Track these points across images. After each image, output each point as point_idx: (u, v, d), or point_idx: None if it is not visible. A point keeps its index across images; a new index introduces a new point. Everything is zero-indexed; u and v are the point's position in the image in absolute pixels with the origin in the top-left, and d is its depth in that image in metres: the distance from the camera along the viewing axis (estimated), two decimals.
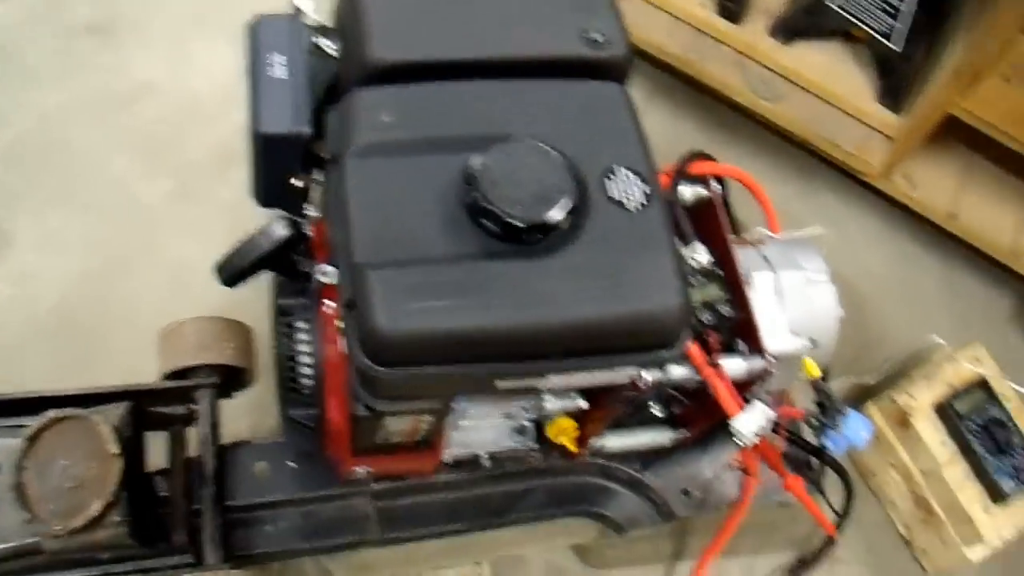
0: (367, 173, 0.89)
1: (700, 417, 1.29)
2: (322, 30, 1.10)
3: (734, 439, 1.12)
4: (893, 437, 1.54)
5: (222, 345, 1.22)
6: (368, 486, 1.24)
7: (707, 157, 1.30)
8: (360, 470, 1.11)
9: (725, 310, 1.11)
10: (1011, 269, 1.79)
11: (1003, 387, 1.54)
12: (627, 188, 0.92)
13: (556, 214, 0.86)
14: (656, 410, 1.35)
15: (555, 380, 0.93)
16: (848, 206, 1.90)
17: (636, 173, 0.93)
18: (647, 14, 1.71)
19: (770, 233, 1.34)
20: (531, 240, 0.87)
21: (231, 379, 1.25)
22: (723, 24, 1.73)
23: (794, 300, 1.23)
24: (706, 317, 1.09)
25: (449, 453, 1.23)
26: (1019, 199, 1.80)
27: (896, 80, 1.69)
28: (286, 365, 1.05)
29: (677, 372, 1.10)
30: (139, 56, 1.77)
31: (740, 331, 1.16)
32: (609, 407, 1.15)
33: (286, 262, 1.03)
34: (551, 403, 1.16)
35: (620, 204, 0.91)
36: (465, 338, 0.83)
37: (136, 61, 1.76)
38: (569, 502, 1.36)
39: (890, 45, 1.66)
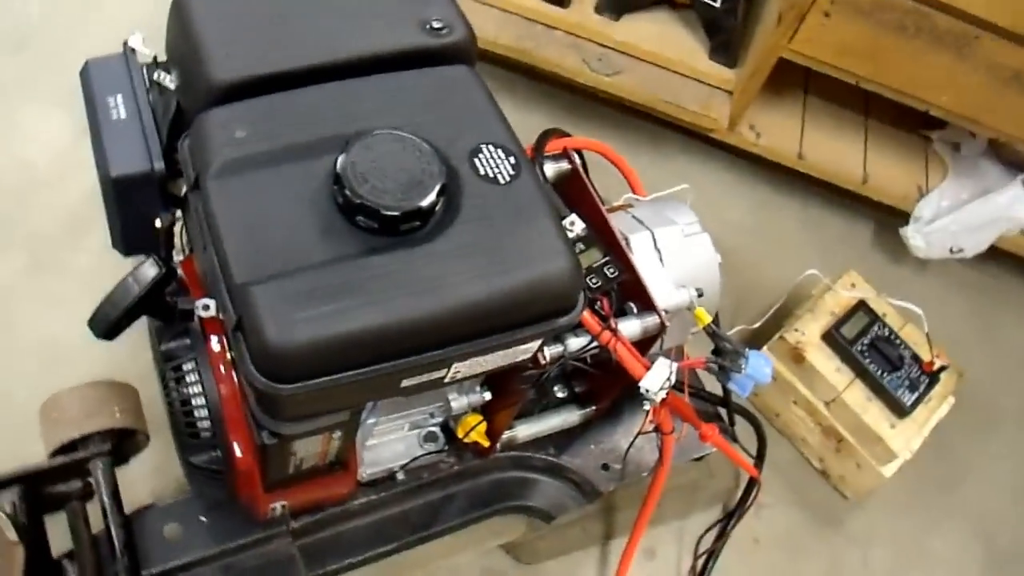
0: (231, 191, 0.86)
1: (604, 389, 1.30)
2: (158, 65, 1.07)
3: (644, 399, 1.13)
4: (790, 374, 1.59)
5: (107, 409, 1.16)
6: (285, 526, 1.20)
7: (562, 133, 1.32)
8: (276, 506, 1.07)
9: (610, 271, 1.12)
10: (863, 197, 1.88)
11: (881, 306, 1.60)
12: (495, 163, 0.91)
13: (428, 198, 0.85)
14: (559, 391, 1.36)
15: (461, 368, 0.91)
16: (701, 165, 1.95)
17: (500, 147, 0.92)
18: (475, 12, 1.72)
19: (637, 196, 1.37)
20: (410, 229, 0.85)
21: (124, 443, 1.19)
22: (551, 9, 1.76)
23: (674, 254, 1.26)
24: (593, 281, 1.10)
25: (362, 473, 1.20)
26: (859, 131, 1.89)
27: (724, 36, 1.75)
28: (180, 412, 1.00)
29: (576, 343, 1.11)
30: None
31: (629, 293, 1.17)
32: (513, 394, 1.15)
33: (161, 304, 0.98)
34: (457, 401, 1.15)
35: (492, 180, 0.90)
36: (361, 339, 0.81)
37: None
38: (491, 501, 1.34)
39: (712, 3, 1.72)
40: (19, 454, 1.12)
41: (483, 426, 1.22)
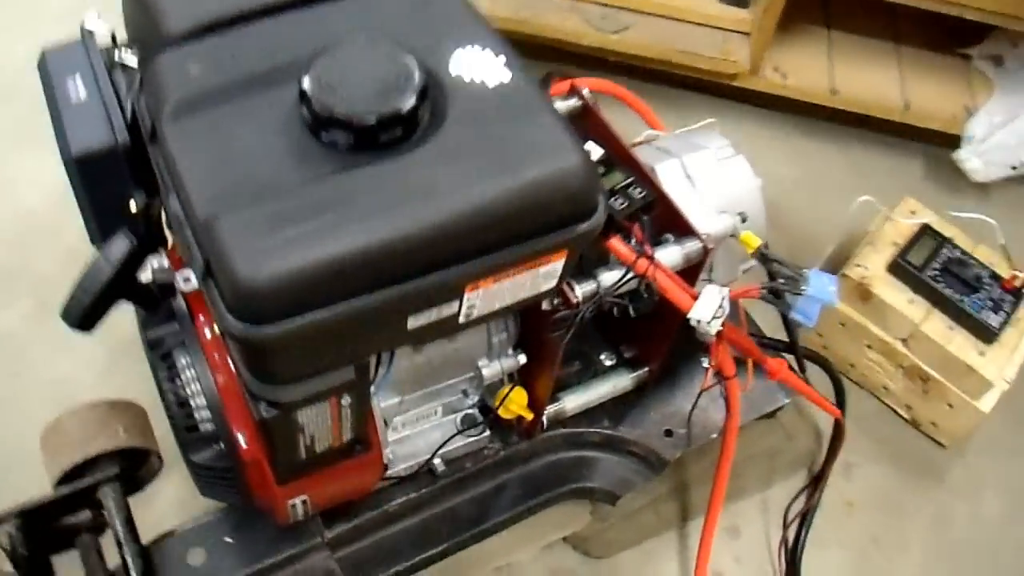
0: (189, 130, 0.76)
1: (655, 343, 1.17)
2: (118, 44, 0.98)
3: (697, 333, 1.00)
4: (860, 316, 1.44)
5: (110, 429, 1.05)
6: (320, 537, 1.08)
7: (564, 75, 1.21)
8: (296, 503, 0.95)
9: (637, 191, 0.99)
10: (906, 128, 1.74)
11: (948, 228, 1.46)
12: (481, 65, 0.80)
13: (408, 101, 0.74)
14: (606, 359, 1.23)
15: (475, 301, 0.79)
16: (729, 123, 1.82)
17: (487, 47, 0.81)
18: None
19: (658, 132, 1.25)
20: (392, 141, 0.74)
21: (134, 467, 1.08)
22: None
23: (708, 179, 1.13)
24: (619, 203, 0.97)
25: (397, 467, 1.08)
26: (891, 59, 1.76)
27: None
28: (176, 406, 0.89)
29: (609, 277, 0.98)
30: None
31: (662, 222, 1.05)
32: (550, 351, 1.02)
33: (138, 287, 0.88)
34: (488, 368, 1.03)
35: (480, 83, 0.79)
36: (345, 263, 0.70)
37: None
38: (547, 486, 1.21)
39: None
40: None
41: (522, 395, 1.09)
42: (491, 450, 1.17)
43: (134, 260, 0.86)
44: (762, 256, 1.08)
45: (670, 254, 1.01)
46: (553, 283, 0.85)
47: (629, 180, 1.00)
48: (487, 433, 1.14)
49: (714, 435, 1.22)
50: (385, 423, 1.00)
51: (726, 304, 1.00)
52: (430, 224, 0.72)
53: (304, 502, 0.94)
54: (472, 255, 0.75)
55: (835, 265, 1.50)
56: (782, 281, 1.05)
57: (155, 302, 0.90)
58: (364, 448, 0.92)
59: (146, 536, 1.06)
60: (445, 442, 1.07)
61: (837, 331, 1.46)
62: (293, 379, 0.77)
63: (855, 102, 1.70)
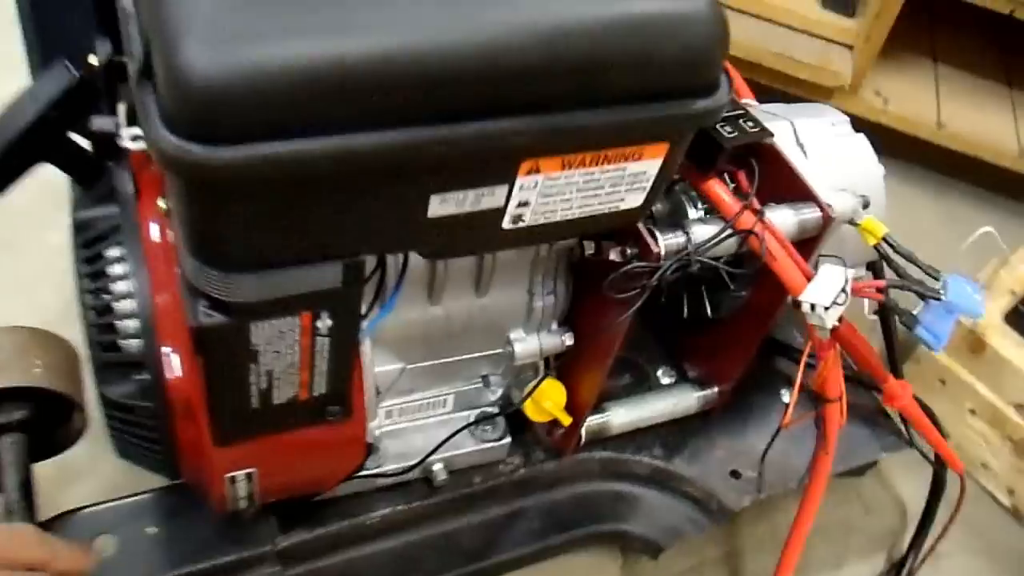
0: None
1: (730, 355, 0.91)
2: None
3: (812, 324, 0.74)
4: (967, 373, 1.17)
5: (24, 362, 0.80)
6: (269, 544, 0.81)
7: None
8: (240, 480, 0.68)
9: (748, 124, 0.75)
10: (1010, 184, 1.50)
11: None
12: None
13: None
14: (664, 376, 0.98)
15: (529, 199, 0.55)
16: None
17: None
18: None
19: (750, 101, 1.01)
20: None
21: (51, 422, 0.83)
22: None
23: (823, 151, 0.89)
24: (728, 131, 0.73)
25: (385, 468, 0.82)
26: (1003, 100, 1.54)
27: None
28: (94, 313, 0.64)
29: (702, 231, 0.73)
30: None
31: (772, 183, 0.80)
32: (606, 336, 0.76)
33: (70, 146, 0.64)
34: (523, 342, 0.77)
35: None
36: (352, 69, 0.45)
37: None
38: (574, 524, 0.94)
39: None
40: None
41: (560, 392, 0.83)
42: (509, 465, 0.91)
43: (72, 105, 0.62)
44: (888, 248, 0.83)
45: (781, 218, 0.76)
46: (639, 198, 0.60)
47: (738, 110, 0.76)
48: (507, 440, 0.88)
49: (792, 484, 0.95)
50: (377, 392, 0.74)
51: (849, 290, 0.74)
52: (484, 36, 0.47)
53: (249, 478, 0.68)
54: (538, 107, 0.50)
55: None
56: (915, 287, 0.80)
57: (91, 173, 0.66)
58: (342, 413, 0.66)
59: (48, 512, 0.80)
60: (449, 437, 0.81)
61: (935, 390, 1.20)
62: (251, 261, 0.52)
63: (964, 140, 1.47)
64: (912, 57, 1.55)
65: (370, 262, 0.64)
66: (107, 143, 0.61)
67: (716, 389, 0.95)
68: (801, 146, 0.89)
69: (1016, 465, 1.17)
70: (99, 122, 0.61)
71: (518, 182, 0.54)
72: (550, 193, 0.56)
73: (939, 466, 1.02)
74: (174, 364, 0.62)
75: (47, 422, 0.83)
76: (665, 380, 0.99)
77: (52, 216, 1.27)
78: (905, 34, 1.48)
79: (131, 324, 0.62)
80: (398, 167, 0.48)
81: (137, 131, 0.60)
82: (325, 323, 0.57)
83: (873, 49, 1.41)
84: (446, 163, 0.50)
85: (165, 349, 0.62)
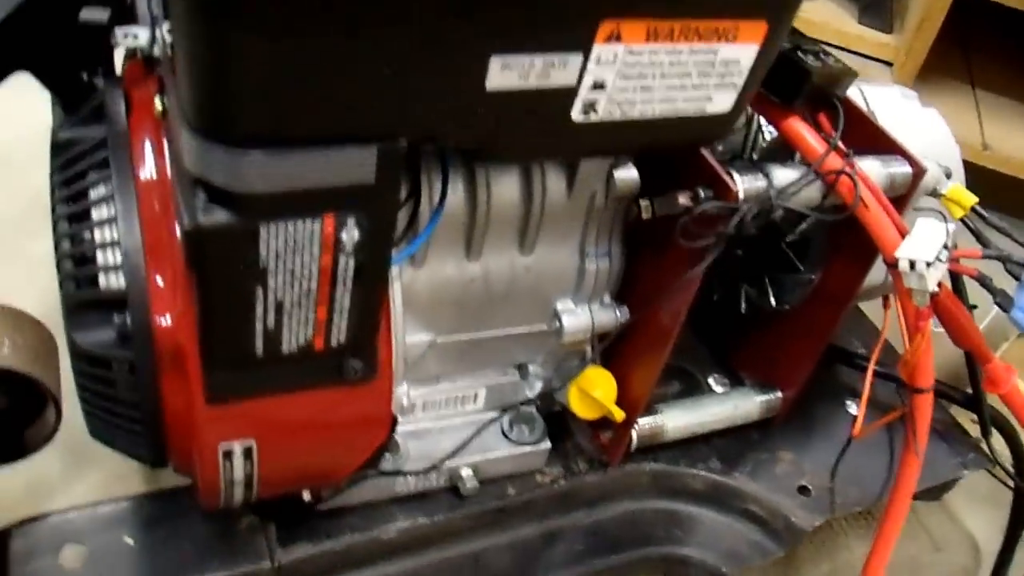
0: None
1: (795, 353, 0.81)
2: None
3: (909, 284, 0.63)
4: None
5: None
6: (267, 560, 0.68)
7: None
8: (235, 455, 0.56)
9: (831, 60, 0.65)
10: None
11: None
12: None
13: None
14: (716, 383, 0.87)
15: (604, 74, 0.45)
16: None
17: None
18: None
19: None
20: None
21: (20, 415, 0.70)
22: None
23: (895, 118, 0.79)
24: (811, 60, 0.63)
25: (408, 468, 0.70)
26: None
27: None
28: (70, 247, 0.53)
29: (784, 176, 0.63)
30: None
31: (854, 137, 0.70)
32: (669, 310, 0.66)
33: (54, 56, 0.54)
34: (572, 316, 0.66)
35: None
36: None
37: None
38: (622, 546, 0.80)
39: None
40: None
41: (610, 382, 0.71)
42: (547, 476, 0.78)
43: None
44: (978, 220, 0.73)
45: (872, 168, 0.66)
46: (729, 100, 0.50)
47: (818, 47, 0.66)
48: (546, 444, 0.76)
49: (869, 501, 0.83)
50: (405, 362, 0.62)
51: (951, 247, 0.64)
52: None
53: (247, 456, 0.55)
54: None
55: None
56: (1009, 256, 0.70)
57: (77, 89, 0.56)
58: (365, 371, 0.54)
59: (12, 516, 0.68)
60: (475, 435, 0.69)
61: None
62: (263, 132, 0.41)
63: (1011, 162, 1.38)
64: (950, 81, 1.49)
65: (403, 189, 0.54)
66: (95, 40, 0.51)
67: (779, 394, 0.84)
68: (872, 113, 0.79)
69: None
70: (88, 13, 0.51)
71: (595, 51, 0.44)
72: (630, 74, 0.46)
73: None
74: (164, 303, 0.50)
75: (13, 416, 0.70)
76: (718, 389, 0.88)
77: (39, 227, 1.18)
78: (941, 59, 1.42)
79: (113, 254, 0.51)
80: (452, 2, 0.38)
81: (132, 28, 0.51)
82: (351, 235, 0.46)
83: (915, 63, 1.34)
84: (512, 5, 0.40)
85: (155, 280, 0.50)
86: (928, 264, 0.62)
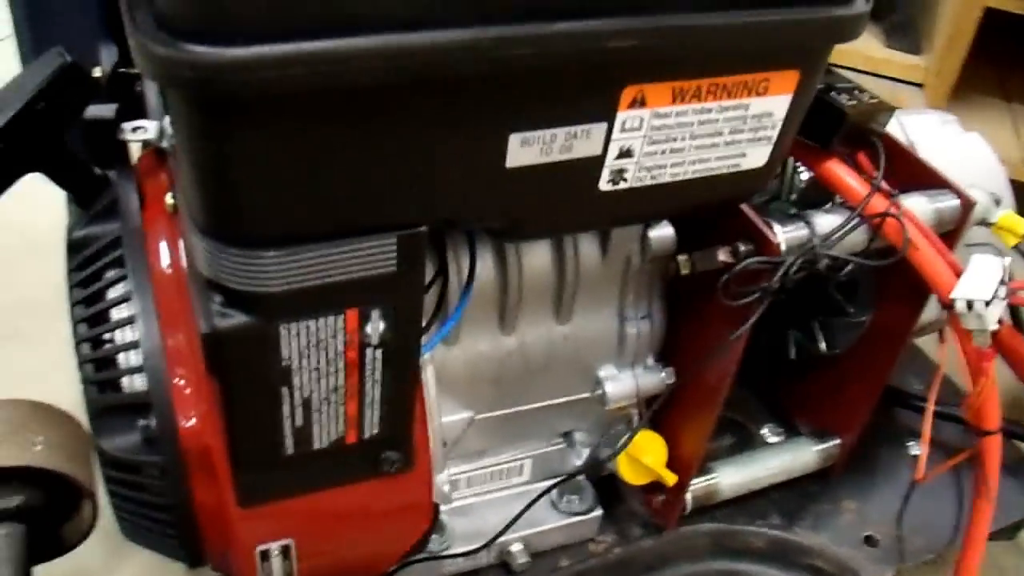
0: None
1: (851, 399, 0.77)
2: None
3: (968, 326, 0.59)
4: None
5: (22, 438, 0.67)
6: None
7: None
8: (273, 556, 0.53)
9: (866, 97, 0.62)
10: None
11: None
12: None
13: None
14: (770, 433, 0.83)
15: (630, 140, 0.42)
16: None
17: None
18: None
19: None
20: None
21: (56, 513, 0.69)
22: None
23: (937, 146, 0.77)
24: (846, 99, 0.60)
25: (454, 551, 0.67)
26: None
27: (900, 14, 1.35)
28: (90, 351, 0.51)
29: (826, 222, 0.60)
30: None
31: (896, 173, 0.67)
32: (724, 360, 0.63)
33: (65, 155, 0.53)
34: (615, 382, 0.63)
35: None
36: None
37: None
38: None
39: None
40: None
41: (660, 445, 0.68)
42: (601, 544, 0.75)
43: (65, 95, 0.51)
44: None
45: (915, 205, 0.63)
46: (764, 155, 0.48)
47: (848, 82, 0.63)
48: (597, 512, 0.73)
49: (940, 548, 0.78)
50: (444, 444, 0.60)
51: (1008, 282, 0.60)
52: None
53: (285, 555, 0.53)
54: (643, 6, 0.38)
55: None
56: None
57: (90, 186, 0.54)
58: (401, 462, 0.51)
59: None
60: (529, 506, 0.66)
61: None
62: (276, 231, 0.39)
63: None
64: (984, 97, 1.44)
65: (429, 271, 0.52)
66: (104, 136, 0.50)
67: (838, 441, 0.80)
68: (911, 143, 0.76)
69: None
70: (94, 110, 0.50)
71: (619, 118, 0.41)
72: (659, 138, 0.43)
73: None
74: (188, 403, 0.48)
75: (50, 513, 0.69)
76: (773, 439, 0.84)
77: (65, 307, 1.19)
78: (973, 76, 1.38)
79: (134, 356, 0.50)
80: (466, 83, 0.36)
81: (139, 123, 0.50)
82: (377, 328, 0.44)
83: (947, 83, 1.30)
84: (529, 82, 0.38)
85: (178, 382, 0.48)
86: (987, 303, 0.58)
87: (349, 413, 0.48)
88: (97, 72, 0.58)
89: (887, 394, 0.90)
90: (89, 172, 0.55)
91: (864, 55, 1.34)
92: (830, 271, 0.72)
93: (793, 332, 0.80)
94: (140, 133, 0.49)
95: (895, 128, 0.77)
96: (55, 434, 0.69)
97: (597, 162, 0.43)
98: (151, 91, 0.56)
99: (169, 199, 0.49)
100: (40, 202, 1.34)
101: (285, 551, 0.53)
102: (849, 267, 0.72)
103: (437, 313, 0.54)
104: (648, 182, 0.45)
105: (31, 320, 1.21)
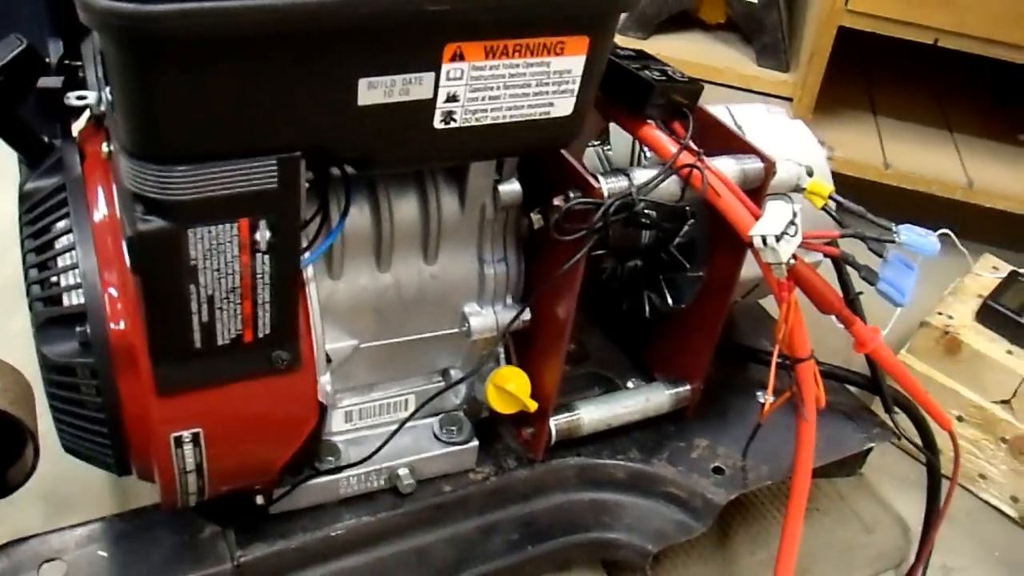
0: None
1: (695, 347, 0.90)
2: None
3: (767, 259, 0.73)
4: (945, 377, 1.16)
5: None
6: (229, 561, 0.76)
7: None
8: (185, 443, 0.65)
9: (678, 75, 0.77)
10: (963, 210, 1.52)
11: None
12: None
13: None
14: (631, 384, 0.96)
15: (455, 88, 0.56)
16: None
17: None
18: None
19: None
20: None
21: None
22: None
23: (762, 131, 0.91)
24: (656, 75, 0.74)
25: (348, 469, 0.78)
26: (945, 142, 1.59)
27: (769, 36, 1.52)
28: (37, 274, 0.63)
29: (643, 175, 0.74)
30: None
31: (712, 142, 0.81)
32: (559, 305, 0.76)
33: (19, 124, 0.65)
34: (478, 317, 0.76)
35: None
36: None
37: None
38: (554, 534, 0.89)
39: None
40: None
41: (523, 378, 0.81)
42: (480, 474, 0.87)
43: (21, 72, 0.63)
44: (836, 207, 0.84)
45: (722, 164, 0.77)
46: (569, 104, 0.61)
47: (665, 65, 0.78)
48: (474, 443, 0.85)
49: (780, 472, 0.92)
50: (328, 360, 0.72)
51: (799, 223, 0.74)
52: None
53: (196, 444, 0.64)
54: None
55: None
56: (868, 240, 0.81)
57: (38, 149, 0.66)
58: (290, 361, 0.64)
59: None
60: (395, 432, 0.77)
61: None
62: (185, 150, 0.52)
63: (912, 178, 1.50)
64: (850, 110, 1.61)
65: (312, 207, 0.64)
66: (52, 102, 0.62)
67: (688, 387, 0.93)
68: (739, 127, 0.91)
69: (1015, 468, 1.13)
70: (45, 80, 0.62)
71: (444, 68, 0.55)
72: (478, 87, 0.57)
73: (930, 453, 0.99)
74: (117, 312, 0.60)
75: None
76: (629, 384, 0.97)
77: (15, 304, 1.27)
78: (842, 90, 1.54)
79: (73, 276, 0.61)
80: (322, 36, 0.49)
81: (82, 92, 0.62)
82: (264, 235, 0.56)
83: (810, 96, 1.46)
84: (370, 37, 0.51)
85: (110, 292, 0.60)
86: (778, 238, 0.72)
87: (245, 312, 0.60)
88: (52, 55, 0.71)
89: (742, 351, 1.04)
90: (38, 138, 0.67)
91: (738, 73, 1.51)
92: (670, 232, 0.86)
93: (648, 293, 0.94)
94: (82, 100, 0.61)
95: (724, 115, 0.92)
96: (2, 382, 0.80)
97: (430, 104, 0.56)
98: (91, 73, 0.68)
99: (105, 147, 0.61)
100: None
101: (195, 439, 0.64)
102: (686, 228, 0.86)
103: (316, 239, 0.66)
104: (474, 123, 0.58)
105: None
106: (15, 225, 1.23)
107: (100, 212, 0.64)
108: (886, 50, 1.54)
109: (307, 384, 0.65)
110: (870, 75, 1.71)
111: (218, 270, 0.57)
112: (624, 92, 0.71)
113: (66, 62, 0.71)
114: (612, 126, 0.90)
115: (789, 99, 1.51)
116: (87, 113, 0.71)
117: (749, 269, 0.85)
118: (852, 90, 1.65)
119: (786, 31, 1.53)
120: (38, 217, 0.63)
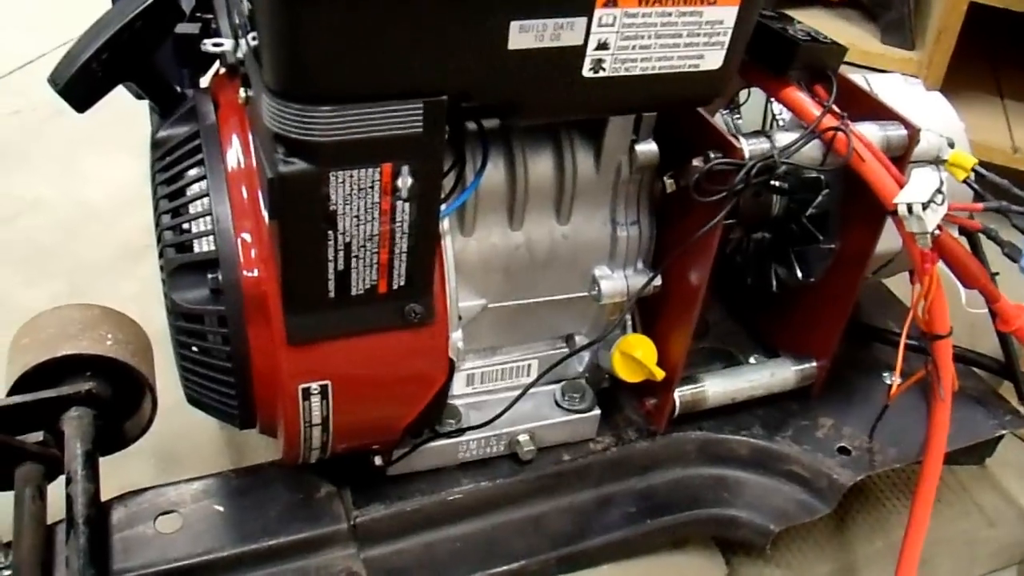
0: None
1: (824, 325, 0.87)
2: None
3: (911, 228, 0.70)
4: None
5: (95, 333, 0.79)
6: (345, 521, 0.76)
7: None
8: (313, 396, 0.64)
9: (822, 36, 0.73)
10: None
11: None
12: None
13: None
14: (757, 361, 0.93)
15: (606, 34, 0.54)
16: None
17: None
18: None
19: None
20: None
21: (119, 406, 0.81)
22: None
23: (901, 100, 0.86)
24: (801, 34, 0.71)
25: (469, 434, 0.77)
26: None
27: (894, 13, 1.46)
28: (169, 220, 0.63)
29: (785, 138, 0.71)
30: (19, 179, 1.48)
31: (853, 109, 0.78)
32: (699, 258, 0.73)
33: (152, 71, 0.65)
34: (609, 280, 0.74)
35: None
36: None
37: (16, 183, 1.47)
38: (672, 508, 0.86)
39: None
40: None
41: (649, 346, 0.79)
42: (599, 444, 0.85)
43: (157, 18, 0.64)
44: (979, 180, 0.80)
45: (865, 130, 0.74)
46: (719, 57, 0.59)
47: (809, 28, 0.75)
48: (596, 412, 0.83)
49: (910, 455, 0.88)
50: (459, 317, 0.71)
51: (945, 191, 0.71)
52: None
53: (324, 397, 0.64)
54: None
55: None
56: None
57: (170, 98, 0.67)
58: (423, 315, 0.63)
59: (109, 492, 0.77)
60: (540, 379, 0.76)
61: None
62: (329, 90, 0.51)
63: None
64: (977, 91, 1.55)
65: (449, 160, 0.63)
66: (190, 48, 0.62)
67: (814, 363, 0.90)
68: (878, 95, 0.87)
69: None
70: (183, 26, 0.62)
71: (597, 14, 0.53)
72: (629, 35, 0.55)
73: None
74: (248, 243, 0.60)
75: (116, 406, 0.80)
76: (752, 360, 0.94)
77: (129, 268, 1.31)
78: (969, 71, 1.48)
79: (206, 224, 0.61)
80: None
81: (217, 39, 0.62)
82: (406, 182, 0.55)
83: (937, 75, 1.40)
84: None
85: (244, 237, 0.60)
86: (924, 206, 0.69)
87: (382, 261, 0.59)
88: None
89: (867, 331, 1.00)
90: (170, 86, 0.67)
91: (861, 50, 1.45)
92: (803, 202, 0.83)
93: (775, 266, 0.90)
94: (219, 47, 0.61)
95: (860, 81, 0.88)
96: (123, 334, 0.81)
97: (580, 51, 0.54)
98: (224, 23, 0.68)
99: (242, 93, 0.61)
100: (95, 177, 1.48)
101: (323, 391, 0.64)
102: (820, 199, 0.83)
103: (453, 192, 0.65)
104: (623, 72, 0.56)
105: (91, 281, 1.33)
106: (126, 191, 1.26)
107: (234, 160, 0.64)
108: (1013, 32, 1.47)
109: (439, 340, 0.64)
110: (995, 57, 1.64)
111: (357, 216, 0.56)
112: (767, 52, 0.68)
113: (197, 14, 0.71)
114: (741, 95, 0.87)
115: (915, 76, 1.44)
116: (215, 66, 0.71)
117: (884, 242, 0.82)
118: (978, 71, 1.58)
119: (912, 7, 1.46)
120: (171, 164, 0.64)
